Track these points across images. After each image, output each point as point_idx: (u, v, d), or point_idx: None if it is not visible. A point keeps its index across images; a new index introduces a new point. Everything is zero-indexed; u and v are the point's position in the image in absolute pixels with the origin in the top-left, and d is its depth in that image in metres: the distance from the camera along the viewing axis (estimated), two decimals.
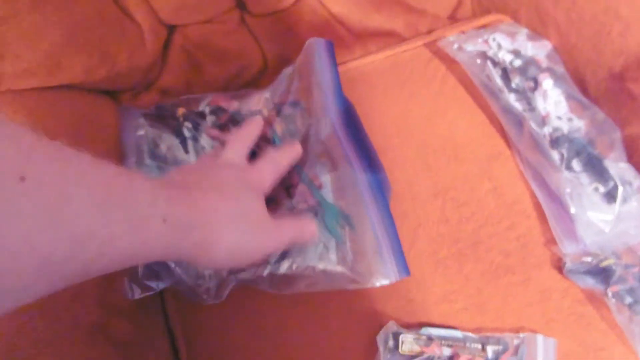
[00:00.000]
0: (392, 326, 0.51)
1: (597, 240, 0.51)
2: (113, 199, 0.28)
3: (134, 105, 0.64)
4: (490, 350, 0.49)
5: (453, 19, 0.75)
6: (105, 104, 0.61)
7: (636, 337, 0.48)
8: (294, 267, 0.52)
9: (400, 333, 0.51)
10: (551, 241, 0.54)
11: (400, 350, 0.50)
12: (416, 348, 0.50)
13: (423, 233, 0.57)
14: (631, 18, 0.53)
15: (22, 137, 0.23)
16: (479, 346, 0.50)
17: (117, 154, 0.58)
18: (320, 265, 0.52)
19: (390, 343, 0.50)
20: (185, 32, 0.68)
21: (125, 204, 0.29)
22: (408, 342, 0.50)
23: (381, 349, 0.50)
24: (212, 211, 0.39)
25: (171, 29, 0.67)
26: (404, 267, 0.52)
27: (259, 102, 0.61)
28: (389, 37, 0.73)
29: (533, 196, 0.57)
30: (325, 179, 0.58)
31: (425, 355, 0.50)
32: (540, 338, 0.50)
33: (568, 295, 0.52)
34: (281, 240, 0.46)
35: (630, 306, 0.48)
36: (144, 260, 0.34)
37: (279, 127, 0.59)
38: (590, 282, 0.51)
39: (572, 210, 0.52)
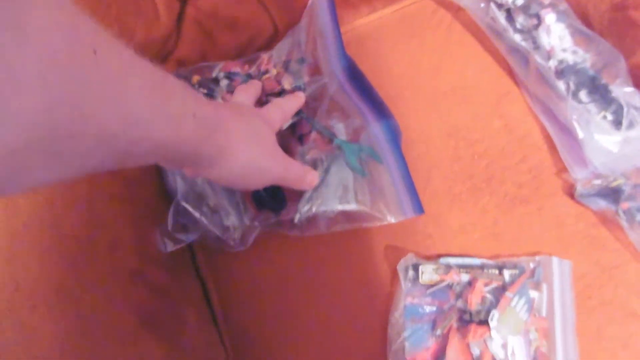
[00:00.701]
0: (411, 258, 0.54)
1: (605, 162, 0.53)
2: (156, 89, 0.31)
3: None
4: (507, 274, 0.51)
5: None
6: None
7: None
8: (314, 209, 0.55)
9: (420, 264, 0.53)
10: (562, 170, 0.56)
11: (420, 280, 0.52)
12: (435, 277, 0.52)
13: (437, 172, 0.59)
14: None
15: (88, 16, 0.25)
16: (496, 271, 0.52)
17: None
18: (340, 207, 0.55)
19: (411, 274, 0.53)
20: (197, 4, 0.71)
21: (164, 95, 0.32)
22: (427, 272, 0.52)
23: (402, 278, 0.53)
24: (233, 122, 0.42)
25: (184, 1, 0.70)
26: (418, 204, 0.55)
27: (267, 62, 0.63)
28: None
29: (543, 129, 0.59)
30: (338, 127, 0.60)
31: (444, 283, 0.52)
32: (555, 260, 0.51)
33: (581, 220, 0.54)
34: (286, 172, 0.49)
35: None
36: (173, 152, 0.36)
37: (287, 82, 0.61)
38: (601, 204, 0.52)
39: (580, 135, 0.53)
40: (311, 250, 0.58)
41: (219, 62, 0.68)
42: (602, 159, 0.52)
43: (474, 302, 0.51)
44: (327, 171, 0.57)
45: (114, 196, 0.51)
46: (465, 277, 0.52)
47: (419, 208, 0.55)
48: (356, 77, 0.64)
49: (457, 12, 0.67)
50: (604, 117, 0.56)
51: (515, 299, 0.50)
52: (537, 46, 0.60)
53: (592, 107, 0.57)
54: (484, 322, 0.50)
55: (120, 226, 0.51)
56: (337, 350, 0.55)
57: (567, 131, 0.56)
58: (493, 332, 0.49)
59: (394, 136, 0.60)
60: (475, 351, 0.49)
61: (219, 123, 0.40)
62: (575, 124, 0.54)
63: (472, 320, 0.51)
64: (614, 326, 0.50)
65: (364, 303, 0.56)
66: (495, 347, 0.49)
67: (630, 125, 0.54)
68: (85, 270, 0.45)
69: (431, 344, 0.50)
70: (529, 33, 0.61)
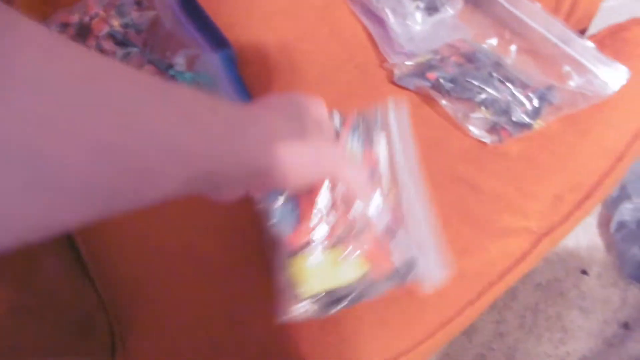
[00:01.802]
0: None
1: (415, 44, 0.56)
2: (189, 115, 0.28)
3: None
4: (336, 118, 0.51)
5: None
6: None
7: (459, 119, 0.53)
8: None
9: None
10: (384, 61, 0.59)
11: None
12: None
13: (275, 84, 0.61)
14: None
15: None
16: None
17: None
18: None
19: None
20: None
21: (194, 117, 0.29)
22: None
23: None
24: (268, 110, 0.38)
25: None
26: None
27: (93, 5, 0.63)
28: None
29: (365, 29, 0.61)
30: (177, 59, 0.61)
31: None
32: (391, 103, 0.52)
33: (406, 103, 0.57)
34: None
35: (449, 92, 0.53)
36: (210, 160, 0.30)
37: (115, 22, 0.62)
38: (416, 82, 0.55)
39: (391, 20, 0.56)
40: None
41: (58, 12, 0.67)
42: (411, 43, 0.55)
43: None
44: None
45: None
46: None
47: None
48: (191, 6, 0.65)
49: None
50: (417, 7, 0.59)
51: (349, 136, 0.50)
52: None
53: None
54: None
55: None
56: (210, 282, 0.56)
57: (382, 23, 0.59)
58: None
59: (230, 62, 0.61)
60: (324, 197, 0.46)
61: (250, 116, 0.34)
62: (387, 11, 0.57)
63: None
64: (440, 190, 0.54)
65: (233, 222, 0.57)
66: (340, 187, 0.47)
67: (437, 10, 0.57)
68: None
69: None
70: None
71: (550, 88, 0.54)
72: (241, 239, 0.55)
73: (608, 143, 0.57)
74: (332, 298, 0.46)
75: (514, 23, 0.56)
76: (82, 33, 0.63)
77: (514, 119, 0.53)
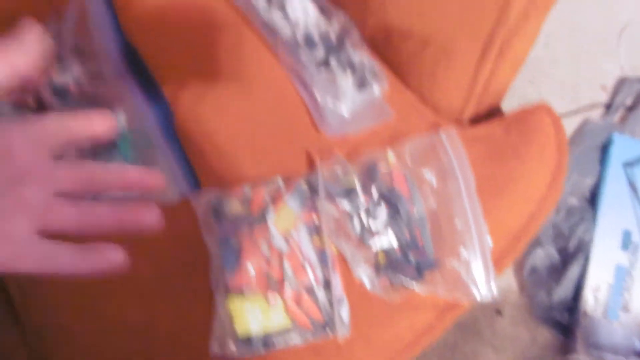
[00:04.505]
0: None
1: (344, 126, 0.60)
2: None
3: None
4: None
5: None
6: None
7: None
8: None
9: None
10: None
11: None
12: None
13: (208, 148, 0.63)
14: None
15: None
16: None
17: None
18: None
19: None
20: None
21: None
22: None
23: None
24: None
25: None
26: (193, 180, 0.60)
27: None
28: None
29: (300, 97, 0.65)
30: (119, 113, 0.63)
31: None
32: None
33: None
34: None
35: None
36: None
37: (55, 76, 0.63)
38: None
39: (320, 100, 0.61)
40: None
41: None
42: (337, 122, 0.60)
43: (256, 208, 0.57)
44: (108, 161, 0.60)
45: None
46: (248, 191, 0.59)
47: (194, 183, 0.60)
48: (130, 60, 0.67)
49: None
50: (347, 81, 0.64)
51: (289, 197, 0.57)
52: (286, 18, 0.66)
53: (337, 71, 0.64)
54: (265, 222, 0.56)
55: None
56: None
57: (314, 97, 0.63)
58: (271, 227, 0.56)
59: (166, 118, 0.64)
60: (264, 248, 0.56)
61: None
62: (316, 91, 0.61)
63: (254, 224, 0.57)
64: None
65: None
66: (277, 241, 0.56)
67: (363, 85, 0.62)
68: None
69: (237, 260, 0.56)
70: (281, 6, 0.66)
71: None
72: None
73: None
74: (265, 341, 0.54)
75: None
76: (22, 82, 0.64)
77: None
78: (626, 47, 1.13)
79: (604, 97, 1.13)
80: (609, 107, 1.12)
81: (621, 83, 1.13)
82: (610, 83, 1.13)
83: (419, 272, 0.59)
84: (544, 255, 1.04)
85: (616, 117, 1.11)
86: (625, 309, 0.99)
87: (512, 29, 0.55)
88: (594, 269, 1.01)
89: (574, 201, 1.06)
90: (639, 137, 1.07)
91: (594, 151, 1.07)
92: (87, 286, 0.58)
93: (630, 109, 1.11)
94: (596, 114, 1.13)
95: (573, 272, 1.02)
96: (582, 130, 1.10)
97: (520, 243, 0.64)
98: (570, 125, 1.10)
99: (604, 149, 1.07)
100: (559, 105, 1.04)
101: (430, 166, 0.62)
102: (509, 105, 0.73)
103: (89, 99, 0.64)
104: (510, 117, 0.67)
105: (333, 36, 0.65)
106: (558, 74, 1.13)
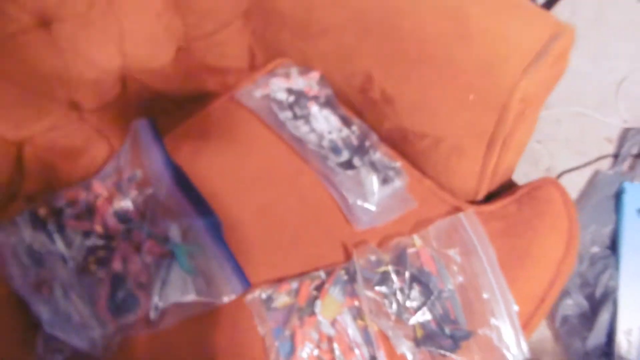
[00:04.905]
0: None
1: (372, 219, 0.69)
2: None
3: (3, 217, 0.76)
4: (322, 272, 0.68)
5: (253, 68, 0.91)
6: None
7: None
8: (160, 305, 0.67)
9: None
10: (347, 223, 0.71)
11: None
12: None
13: (256, 247, 0.72)
14: (355, 50, 0.71)
15: None
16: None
17: None
18: (186, 298, 0.66)
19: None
20: (33, 142, 0.81)
21: None
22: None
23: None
24: None
25: (20, 143, 0.80)
26: (245, 280, 0.68)
27: (97, 186, 0.75)
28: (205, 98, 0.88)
29: (331, 196, 0.74)
30: (172, 228, 0.72)
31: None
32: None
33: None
34: None
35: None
36: None
37: (118, 202, 0.73)
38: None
39: (350, 201, 0.69)
40: (174, 344, 0.68)
41: (62, 190, 0.77)
42: (367, 216, 0.68)
43: (303, 299, 0.65)
44: (168, 272, 0.69)
45: None
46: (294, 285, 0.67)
47: (245, 282, 0.68)
48: (182, 182, 0.76)
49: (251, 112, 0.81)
50: (372, 180, 0.72)
51: (332, 288, 0.65)
52: (312, 129, 0.76)
53: (362, 171, 0.73)
54: (313, 312, 0.64)
55: None
56: None
57: (343, 196, 0.71)
58: (319, 317, 0.63)
59: (216, 228, 0.73)
60: (314, 335, 0.63)
61: None
62: (345, 192, 0.70)
63: (303, 314, 0.65)
64: None
65: None
66: (325, 328, 0.64)
67: (385, 182, 0.71)
68: None
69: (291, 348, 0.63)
70: (306, 120, 0.77)
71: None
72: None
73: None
74: None
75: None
76: (89, 211, 0.74)
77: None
78: (625, 100, 1.21)
79: (610, 149, 1.20)
80: (616, 157, 1.19)
81: (625, 133, 1.20)
82: (615, 135, 1.20)
83: (455, 343, 0.65)
84: (573, 305, 1.09)
85: (625, 165, 1.17)
86: None
87: (512, 125, 0.64)
88: (623, 313, 1.05)
89: (596, 250, 1.11)
90: None
91: (608, 200, 1.13)
92: None
93: (638, 156, 1.18)
94: (605, 165, 1.19)
95: (604, 318, 1.06)
96: (594, 181, 1.16)
97: (545, 305, 0.70)
98: (582, 178, 1.17)
99: (617, 197, 1.13)
100: (568, 160, 1.12)
101: (453, 245, 0.69)
102: (520, 164, 0.81)
103: (147, 220, 0.73)
104: (521, 192, 0.74)
105: (354, 140, 0.75)
106: (562, 132, 1.21)
